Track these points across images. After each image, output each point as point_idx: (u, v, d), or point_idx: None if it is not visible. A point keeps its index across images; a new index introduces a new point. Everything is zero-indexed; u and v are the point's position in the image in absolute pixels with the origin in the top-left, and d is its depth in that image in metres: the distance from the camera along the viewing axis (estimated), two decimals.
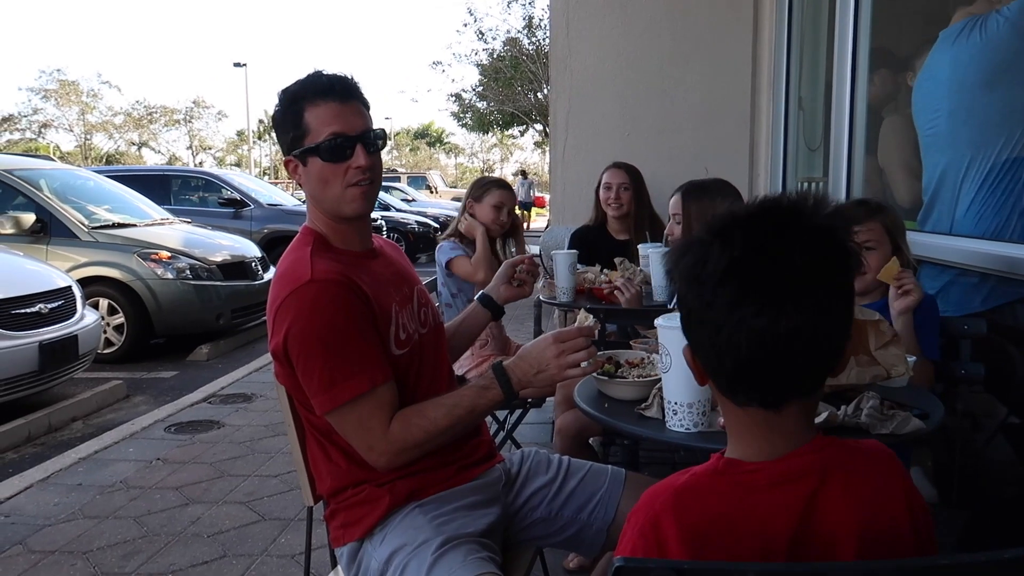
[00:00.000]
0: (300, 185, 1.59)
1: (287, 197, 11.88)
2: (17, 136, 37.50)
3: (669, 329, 1.48)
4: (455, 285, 3.46)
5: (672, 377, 1.52)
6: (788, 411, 0.94)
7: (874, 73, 3.32)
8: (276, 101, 1.57)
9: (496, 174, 51.71)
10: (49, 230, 6.55)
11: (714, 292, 0.90)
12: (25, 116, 38.08)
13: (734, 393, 0.96)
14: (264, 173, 40.33)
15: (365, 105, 1.59)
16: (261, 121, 46.88)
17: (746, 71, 4.66)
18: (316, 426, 1.60)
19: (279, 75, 70.03)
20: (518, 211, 3.69)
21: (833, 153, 3.47)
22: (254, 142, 43.85)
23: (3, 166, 6.97)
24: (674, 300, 2.74)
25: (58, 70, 38.14)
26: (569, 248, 3.55)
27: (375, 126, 1.57)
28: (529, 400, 3.07)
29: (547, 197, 30.44)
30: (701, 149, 4.67)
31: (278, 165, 49.04)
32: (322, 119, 1.51)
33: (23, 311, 4.66)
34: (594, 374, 1.71)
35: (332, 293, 1.46)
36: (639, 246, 3.32)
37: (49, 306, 4.86)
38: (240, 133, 43.93)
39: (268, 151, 49.72)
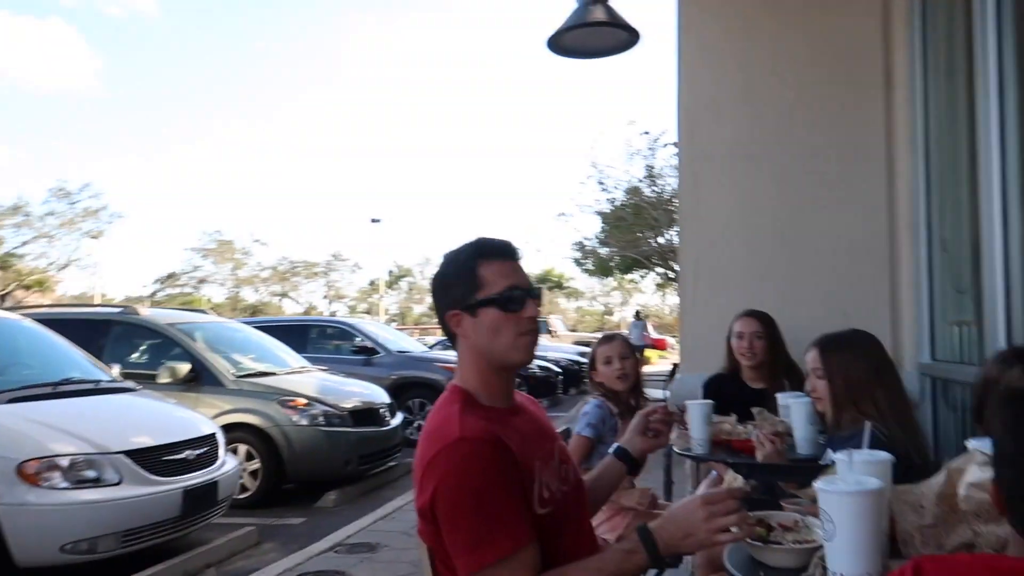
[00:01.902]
0: (455, 337, 1.65)
1: (414, 343, 12.28)
2: (176, 291, 41.14)
3: (832, 494, 1.37)
4: None
5: (837, 546, 1.39)
6: None
7: None
8: (442, 262, 1.68)
9: (616, 316, 51.76)
10: (201, 378, 7.00)
11: None
12: (186, 272, 41.94)
13: None
14: (392, 320, 42.08)
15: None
16: (391, 272, 49.51)
17: (882, 213, 4.54)
18: None
19: (410, 228, 75.49)
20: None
21: (987, 296, 3.25)
22: (385, 291, 46.13)
23: (165, 320, 7.63)
24: (825, 455, 2.56)
25: (217, 231, 41.97)
26: (703, 398, 3.43)
27: None
28: (666, 559, 2.88)
29: (667, 339, 29.68)
30: (838, 293, 4.52)
31: (404, 312, 51.22)
32: (498, 274, 1.61)
33: (172, 458, 4.90)
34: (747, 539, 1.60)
35: (481, 452, 1.46)
36: (778, 395, 3.16)
37: (195, 452, 5.10)
38: (372, 283, 46.47)
39: (397, 299, 52.07)
